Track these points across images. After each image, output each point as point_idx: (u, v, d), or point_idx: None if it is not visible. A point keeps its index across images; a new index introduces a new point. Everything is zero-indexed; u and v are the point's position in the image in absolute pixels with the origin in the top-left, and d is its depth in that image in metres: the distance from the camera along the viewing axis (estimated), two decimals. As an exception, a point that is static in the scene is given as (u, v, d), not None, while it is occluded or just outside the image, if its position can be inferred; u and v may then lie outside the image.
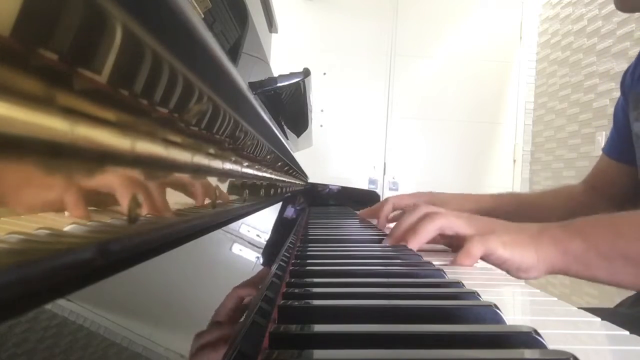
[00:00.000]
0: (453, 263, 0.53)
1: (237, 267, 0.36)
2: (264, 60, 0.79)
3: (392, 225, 0.69)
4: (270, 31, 1.07)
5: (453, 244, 0.65)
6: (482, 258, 0.54)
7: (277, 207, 0.71)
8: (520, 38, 2.92)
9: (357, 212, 1.10)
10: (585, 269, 0.51)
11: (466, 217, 0.59)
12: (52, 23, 0.10)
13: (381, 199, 1.05)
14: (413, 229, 0.59)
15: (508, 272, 0.52)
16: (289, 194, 0.96)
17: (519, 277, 0.51)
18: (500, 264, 0.52)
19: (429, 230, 0.58)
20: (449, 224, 0.58)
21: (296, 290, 0.34)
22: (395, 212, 0.93)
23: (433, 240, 0.61)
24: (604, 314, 0.35)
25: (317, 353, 0.22)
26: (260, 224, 0.49)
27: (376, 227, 0.85)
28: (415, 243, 0.58)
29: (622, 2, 0.77)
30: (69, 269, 0.13)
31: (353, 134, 2.92)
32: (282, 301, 0.30)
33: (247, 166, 0.40)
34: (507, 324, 0.28)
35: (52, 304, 0.12)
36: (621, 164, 0.91)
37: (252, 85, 0.51)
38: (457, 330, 0.25)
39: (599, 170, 0.98)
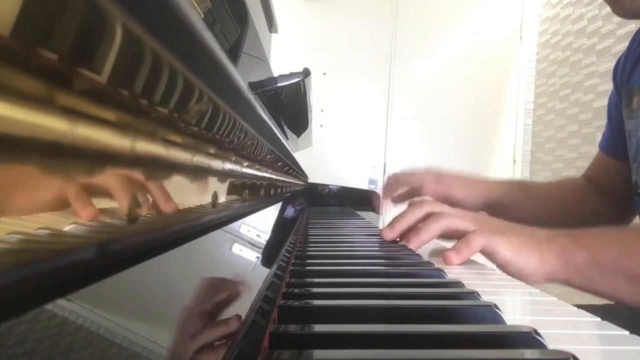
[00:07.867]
0: (449, 251, 0.53)
1: (237, 267, 0.35)
2: (264, 60, 0.79)
3: (396, 209, 0.67)
4: (270, 31, 1.07)
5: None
6: (486, 256, 0.53)
7: (277, 207, 0.71)
8: (520, 38, 2.92)
9: (357, 211, 1.09)
10: (586, 281, 0.50)
11: (471, 218, 0.59)
12: (52, 23, 0.10)
13: (381, 199, 1.03)
14: (415, 228, 0.59)
15: (509, 274, 0.51)
16: (289, 194, 0.96)
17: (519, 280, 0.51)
18: (503, 265, 0.52)
19: (431, 232, 0.57)
20: (451, 225, 0.57)
21: (296, 290, 0.34)
22: (402, 192, 0.88)
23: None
24: (605, 312, 0.35)
25: (317, 353, 0.22)
26: (260, 224, 0.49)
27: (376, 228, 0.85)
28: (417, 243, 0.57)
29: (618, 7, 0.73)
30: (69, 269, 0.13)
31: (353, 134, 2.92)
32: (282, 301, 0.30)
33: (247, 166, 0.40)
34: (507, 324, 0.28)
35: (52, 304, 0.12)
36: (617, 161, 0.89)
37: (252, 85, 0.51)
38: (457, 330, 0.25)
39: (596, 166, 0.97)
